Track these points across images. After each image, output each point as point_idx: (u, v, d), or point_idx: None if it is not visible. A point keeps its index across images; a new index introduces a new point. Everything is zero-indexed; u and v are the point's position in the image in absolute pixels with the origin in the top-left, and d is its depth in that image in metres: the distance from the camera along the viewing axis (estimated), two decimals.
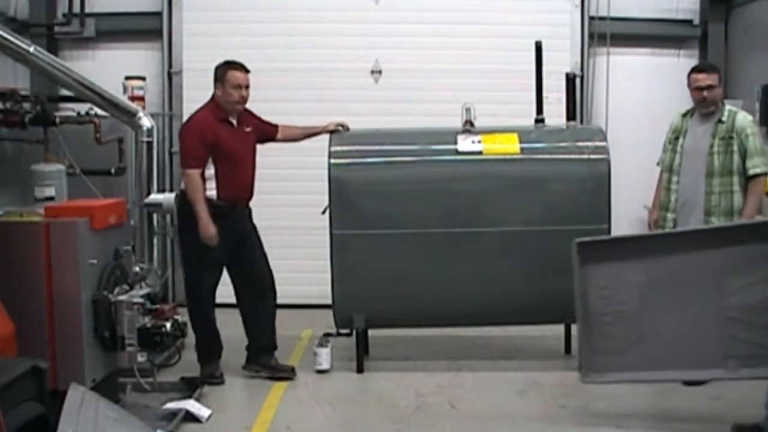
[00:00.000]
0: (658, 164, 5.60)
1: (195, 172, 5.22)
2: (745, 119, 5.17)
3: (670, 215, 5.37)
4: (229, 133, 5.34)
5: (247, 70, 5.36)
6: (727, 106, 5.26)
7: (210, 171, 5.29)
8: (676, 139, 5.39)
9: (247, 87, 5.35)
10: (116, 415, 4.06)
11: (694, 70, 5.36)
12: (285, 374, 5.53)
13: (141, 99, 7.30)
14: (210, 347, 5.49)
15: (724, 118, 5.17)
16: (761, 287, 4.49)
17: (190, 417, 4.65)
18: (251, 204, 5.57)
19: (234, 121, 5.40)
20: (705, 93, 5.18)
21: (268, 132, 5.66)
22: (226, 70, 5.32)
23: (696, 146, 5.25)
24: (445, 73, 7.68)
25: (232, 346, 5.69)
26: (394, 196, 5.69)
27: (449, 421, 4.72)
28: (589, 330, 4.68)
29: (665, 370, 4.62)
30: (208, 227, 5.18)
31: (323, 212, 5.63)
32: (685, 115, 5.41)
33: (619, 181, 5.77)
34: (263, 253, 5.57)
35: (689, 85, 5.30)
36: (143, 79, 7.51)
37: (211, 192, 5.29)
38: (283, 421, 4.74)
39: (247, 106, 5.53)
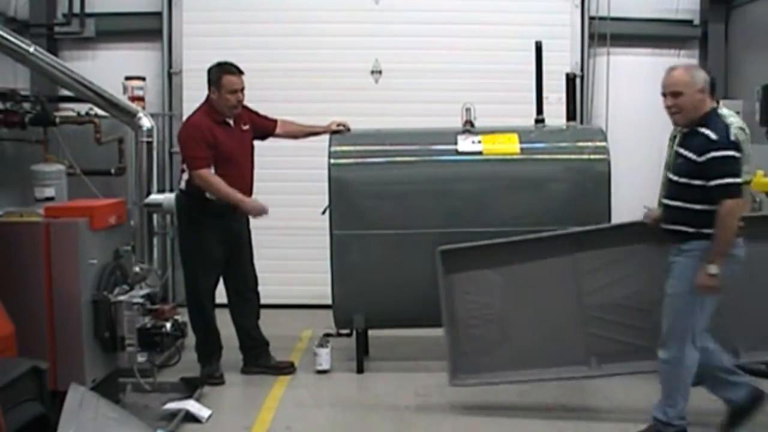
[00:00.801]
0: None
1: (207, 171, 5.22)
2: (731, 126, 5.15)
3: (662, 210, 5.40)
4: (226, 134, 5.33)
5: (241, 72, 5.35)
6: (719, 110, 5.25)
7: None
8: (675, 137, 5.42)
9: (243, 89, 5.34)
10: (116, 415, 4.07)
11: None
12: (286, 370, 5.58)
13: (141, 99, 7.30)
14: (210, 347, 5.50)
15: None
16: (617, 287, 4.74)
17: (190, 417, 4.65)
18: None
19: (230, 122, 5.39)
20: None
21: (266, 127, 5.66)
22: (220, 74, 5.30)
23: None
24: (445, 73, 7.68)
25: (233, 345, 5.70)
26: (394, 196, 5.69)
27: (449, 421, 4.73)
28: (456, 333, 4.84)
29: (531, 369, 4.81)
30: (249, 203, 5.26)
31: (323, 212, 5.63)
32: None
33: (619, 181, 5.77)
34: (251, 255, 5.61)
35: None
36: (143, 79, 7.51)
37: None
38: (282, 421, 4.75)
39: (248, 105, 5.54)
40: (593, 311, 4.79)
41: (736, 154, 4.05)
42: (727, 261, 4.04)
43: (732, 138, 4.12)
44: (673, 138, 5.44)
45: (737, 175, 4.02)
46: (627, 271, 4.76)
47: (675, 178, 4.23)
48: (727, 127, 4.17)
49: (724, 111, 5.28)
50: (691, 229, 4.12)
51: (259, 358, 5.61)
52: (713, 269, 3.99)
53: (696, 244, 4.09)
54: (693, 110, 4.15)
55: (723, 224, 3.99)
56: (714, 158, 4.00)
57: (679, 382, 4.20)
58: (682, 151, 4.19)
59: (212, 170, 5.27)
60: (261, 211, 5.29)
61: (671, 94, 4.18)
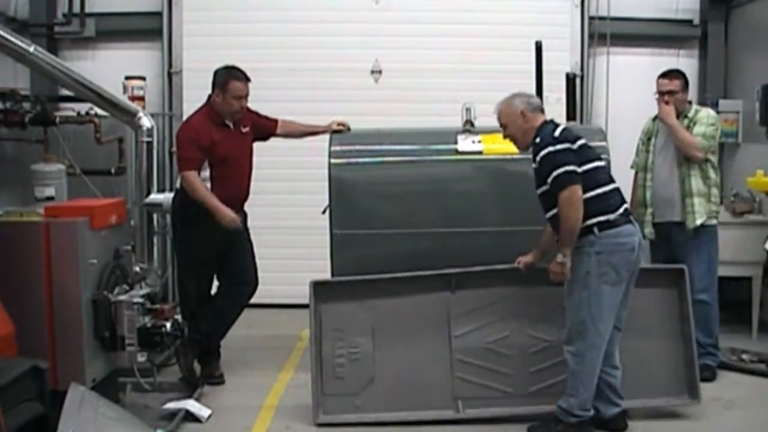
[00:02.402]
0: (632, 167, 5.86)
1: (192, 174, 5.21)
2: (705, 113, 5.51)
3: (649, 210, 5.59)
4: (224, 136, 5.32)
5: (248, 79, 5.31)
6: (695, 106, 5.59)
7: (205, 173, 5.28)
8: (649, 140, 5.70)
9: (247, 95, 5.32)
10: (116, 415, 4.07)
11: (660, 75, 5.62)
12: (215, 380, 5.42)
13: (141, 99, 7.30)
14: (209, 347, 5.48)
15: (690, 115, 5.48)
16: (486, 331, 4.79)
17: (190, 417, 4.65)
18: (247, 205, 5.57)
19: (230, 124, 5.38)
20: (666, 97, 5.46)
21: (267, 127, 5.65)
22: (227, 79, 5.24)
23: (666, 143, 5.54)
24: (446, 73, 7.68)
25: (232, 346, 5.70)
26: (394, 196, 5.68)
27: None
28: (320, 371, 4.77)
29: (398, 411, 4.73)
30: (225, 213, 5.15)
31: (323, 212, 5.62)
32: (654, 119, 5.70)
33: (618, 181, 5.73)
34: (253, 260, 5.55)
35: (656, 88, 5.59)
36: (143, 79, 7.50)
37: None
38: (282, 421, 4.75)
39: (248, 106, 5.53)
40: (461, 354, 4.81)
41: (560, 147, 4.22)
42: (617, 250, 4.21)
43: (556, 134, 4.28)
44: (646, 142, 5.72)
45: (565, 164, 4.18)
46: (497, 316, 4.83)
47: (537, 191, 4.40)
48: (553, 129, 4.33)
49: (699, 107, 5.66)
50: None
51: (207, 358, 5.46)
52: (560, 257, 4.19)
53: (579, 241, 4.22)
54: (523, 135, 4.41)
55: (563, 214, 4.18)
56: (542, 157, 4.25)
57: (582, 374, 4.31)
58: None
59: (207, 172, 5.26)
60: (233, 223, 5.19)
61: (502, 126, 4.51)
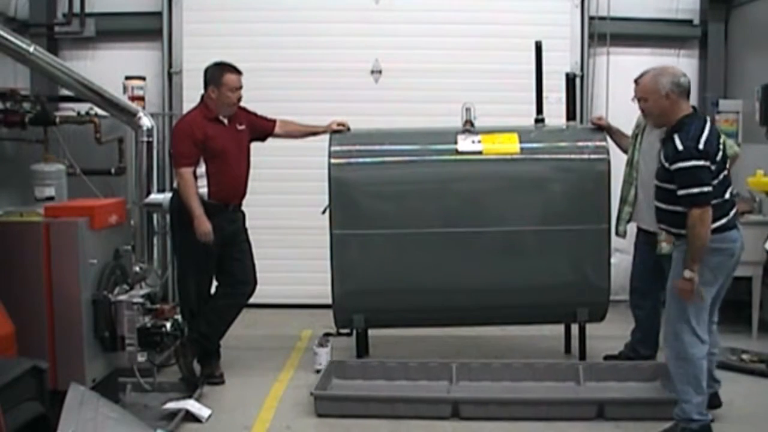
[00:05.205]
0: None
1: (187, 170, 5.22)
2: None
3: (627, 209, 5.51)
4: (219, 131, 5.32)
5: (240, 72, 5.36)
6: None
7: (201, 169, 5.28)
8: (636, 136, 5.52)
9: (241, 88, 5.35)
10: (116, 415, 4.07)
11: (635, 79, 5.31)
12: (215, 380, 5.41)
13: (141, 99, 7.30)
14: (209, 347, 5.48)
15: None
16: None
17: (190, 417, 4.65)
18: (245, 205, 5.56)
19: (225, 120, 5.38)
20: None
21: (264, 127, 5.65)
22: (221, 73, 5.30)
23: (650, 149, 5.24)
24: (445, 73, 7.67)
25: (232, 345, 5.69)
26: (394, 196, 5.69)
27: (449, 421, 4.72)
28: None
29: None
30: (203, 223, 5.17)
31: (323, 212, 5.63)
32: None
33: (619, 181, 5.76)
34: (252, 260, 5.53)
35: None
36: (143, 79, 7.50)
37: (203, 190, 5.27)
38: (282, 421, 4.75)
39: (248, 106, 5.54)
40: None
41: (703, 163, 4.09)
42: (717, 254, 4.16)
43: (701, 146, 4.10)
44: (635, 136, 5.54)
45: (703, 184, 4.08)
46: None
47: (656, 182, 4.35)
48: (699, 134, 4.13)
49: None
50: (674, 230, 4.27)
51: (207, 358, 5.44)
52: (687, 274, 4.12)
53: (684, 241, 4.18)
54: (661, 116, 4.31)
55: (691, 233, 4.11)
56: (679, 169, 4.12)
57: (688, 376, 4.20)
58: (660, 157, 4.31)
59: (203, 168, 5.26)
60: (206, 237, 5.18)
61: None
